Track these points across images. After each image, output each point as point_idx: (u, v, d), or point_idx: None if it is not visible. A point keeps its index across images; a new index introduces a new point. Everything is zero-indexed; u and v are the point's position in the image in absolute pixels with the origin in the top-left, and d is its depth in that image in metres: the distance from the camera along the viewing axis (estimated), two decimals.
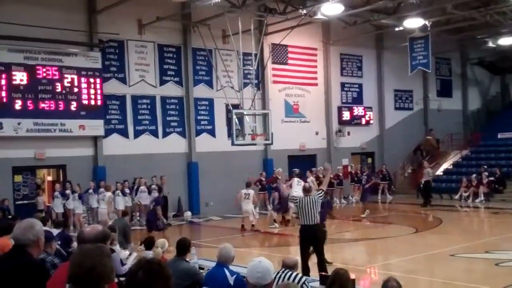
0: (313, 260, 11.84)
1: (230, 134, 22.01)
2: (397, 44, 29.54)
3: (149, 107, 24.40)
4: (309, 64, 29.73)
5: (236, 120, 20.41)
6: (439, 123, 33.98)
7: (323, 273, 9.49)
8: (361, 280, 11.75)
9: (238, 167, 25.07)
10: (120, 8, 22.32)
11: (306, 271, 11.41)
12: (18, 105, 20.69)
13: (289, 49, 28.60)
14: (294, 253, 12.41)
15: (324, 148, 30.36)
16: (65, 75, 21.78)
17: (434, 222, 21.78)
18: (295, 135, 28.39)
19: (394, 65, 31.99)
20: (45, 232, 5.49)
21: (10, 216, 18.53)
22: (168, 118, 24.89)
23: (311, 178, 22.25)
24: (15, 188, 21.39)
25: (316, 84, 30.08)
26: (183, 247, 8.26)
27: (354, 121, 31.52)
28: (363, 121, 31.93)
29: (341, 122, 31.02)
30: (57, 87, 21.56)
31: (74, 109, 21.90)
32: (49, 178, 23.57)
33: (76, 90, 21.97)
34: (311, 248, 12.21)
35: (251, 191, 20.65)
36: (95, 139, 22.84)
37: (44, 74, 21.33)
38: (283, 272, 7.23)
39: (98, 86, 22.52)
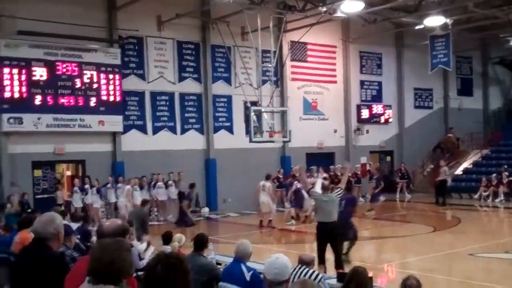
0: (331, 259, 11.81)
1: (248, 131, 21.97)
2: (417, 42, 29.34)
3: (167, 103, 24.47)
4: (328, 62, 29.64)
5: (254, 117, 20.39)
6: (459, 122, 33.69)
7: (340, 271, 9.47)
8: (378, 278, 11.70)
9: (256, 164, 25.05)
10: (139, 5, 22.42)
11: (323, 269, 11.39)
12: (38, 100, 20.85)
13: (308, 46, 28.52)
14: (311, 250, 12.40)
15: (343, 146, 30.27)
16: (85, 71, 21.91)
17: (453, 221, 21.63)
18: (313, 133, 28.32)
19: (414, 63, 31.77)
20: (64, 226, 5.54)
21: (29, 210, 18.73)
22: (186, 115, 24.96)
23: (324, 176, 22.30)
24: (35, 183, 21.57)
25: (335, 82, 29.99)
26: (200, 243, 8.28)
27: (373, 119, 31.37)
28: (382, 120, 31.76)
29: (360, 120, 30.90)
30: (76, 83, 21.70)
31: (94, 104, 22.03)
32: (68, 173, 23.75)
33: (95, 86, 22.10)
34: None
35: (268, 184, 20.68)
36: (114, 135, 22.97)
37: (64, 70, 21.47)
38: (299, 268, 7.24)
39: (117, 82, 22.64)
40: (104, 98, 22.27)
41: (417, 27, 27.03)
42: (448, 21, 25.15)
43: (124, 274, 3.73)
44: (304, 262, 7.60)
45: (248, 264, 7.27)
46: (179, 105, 24.77)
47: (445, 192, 26.34)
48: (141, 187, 21.67)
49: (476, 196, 27.59)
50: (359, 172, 26.64)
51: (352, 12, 24.15)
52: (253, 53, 23.58)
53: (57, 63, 21.32)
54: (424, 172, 32.56)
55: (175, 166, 23.04)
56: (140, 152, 23.18)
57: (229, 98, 26.15)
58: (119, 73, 22.74)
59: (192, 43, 25.20)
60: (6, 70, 20.29)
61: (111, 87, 22.47)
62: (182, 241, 9.50)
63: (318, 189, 12.57)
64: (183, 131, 24.87)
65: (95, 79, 22.10)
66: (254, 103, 21.88)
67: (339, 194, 12.10)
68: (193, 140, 25.03)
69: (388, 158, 32.97)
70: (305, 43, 28.01)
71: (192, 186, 21.28)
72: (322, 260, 11.71)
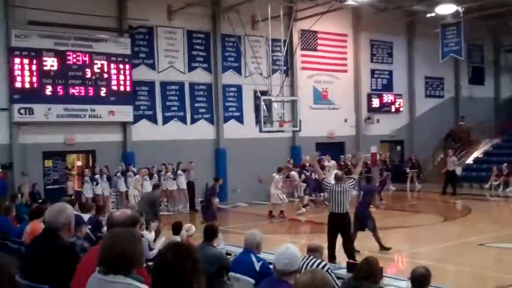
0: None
1: (258, 121, 21.96)
2: (428, 31, 29.09)
3: (177, 93, 24.47)
4: (338, 51, 29.52)
5: (264, 106, 20.35)
6: (471, 111, 33.46)
7: (351, 261, 9.47)
8: (388, 268, 11.68)
9: (266, 154, 25.03)
10: None
11: (332, 258, 11.39)
12: (48, 90, 20.90)
13: (319, 35, 28.41)
14: (321, 240, 12.36)
15: (353, 136, 30.19)
16: (95, 61, 21.93)
17: (463, 211, 21.58)
18: (323, 122, 28.23)
19: (425, 52, 31.56)
20: (75, 216, 5.57)
21: (40, 200, 18.83)
22: (196, 105, 24.95)
23: (332, 162, 22.38)
24: (46, 173, 21.67)
25: (345, 71, 29.88)
26: (210, 233, 8.30)
27: (384, 108, 31.25)
28: (393, 109, 31.64)
29: (371, 109, 30.78)
30: (87, 73, 21.73)
31: (104, 95, 22.06)
32: (79, 163, 23.84)
33: (105, 76, 22.12)
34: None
35: (277, 176, 20.73)
36: (124, 125, 23.00)
37: (74, 60, 21.49)
38: (307, 258, 7.24)
39: (127, 72, 22.64)
40: (114, 88, 22.30)
41: (428, 15, 26.82)
42: (460, 9, 24.95)
43: (135, 264, 3.74)
44: (310, 250, 7.62)
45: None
46: (189, 95, 24.76)
47: (455, 182, 26.25)
48: (151, 177, 21.71)
49: (486, 186, 27.49)
50: (369, 162, 26.55)
51: (363, 0, 24.01)
52: (263, 42, 23.51)
53: (67, 53, 21.34)
54: (435, 161, 32.43)
55: (185, 156, 23.05)
56: (150, 142, 23.20)
57: (239, 88, 26.12)
58: (129, 63, 22.75)
59: (202, 33, 25.15)
60: (17, 61, 20.33)
61: (121, 77, 22.49)
62: (191, 231, 9.50)
63: (331, 179, 12.58)
64: (193, 121, 24.87)
65: (105, 69, 22.12)
66: (264, 93, 21.84)
67: (352, 185, 12.07)
68: (203, 130, 25.04)
69: (399, 148, 32.86)
70: (316, 32, 27.89)
71: (217, 180, 20.79)
72: (332, 252, 11.68)
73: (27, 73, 20.48)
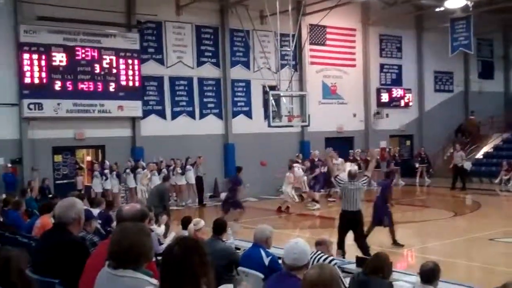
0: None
1: (266, 116, 21.93)
2: (437, 25, 28.96)
3: (186, 88, 24.48)
4: (347, 45, 29.44)
5: (273, 101, 20.32)
6: (480, 105, 33.31)
7: (359, 256, 9.45)
8: (398, 263, 11.67)
9: (274, 149, 25.02)
10: None
11: (342, 255, 11.37)
12: (57, 86, 20.95)
13: (327, 29, 28.34)
14: (330, 235, 12.34)
15: (362, 130, 30.12)
16: (104, 56, 21.96)
17: (473, 206, 21.51)
18: (332, 117, 28.19)
19: (435, 46, 31.42)
20: (85, 211, 5.58)
21: (50, 195, 18.92)
22: (205, 100, 24.95)
23: (340, 160, 22.36)
24: (55, 168, 21.75)
25: (354, 65, 29.79)
26: (219, 228, 8.31)
27: (393, 103, 31.15)
28: (402, 103, 31.53)
29: (380, 104, 30.69)
30: (95, 68, 21.76)
31: (113, 90, 22.09)
32: (88, 158, 23.91)
33: (114, 71, 22.15)
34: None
35: (287, 173, 20.75)
36: (133, 120, 23.04)
37: (83, 55, 21.53)
38: (314, 253, 7.24)
39: (136, 67, 22.66)
40: (123, 83, 22.33)
41: (437, 9, 26.70)
42: (469, 3, 24.81)
43: (144, 258, 3.75)
44: (316, 244, 7.63)
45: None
46: (198, 90, 24.76)
47: (464, 176, 26.15)
48: (159, 172, 21.75)
49: (496, 181, 27.35)
50: (378, 157, 26.48)
51: None
52: (272, 37, 23.44)
53: (76, 49, 21.38)
54: (444, 156, 32.31)
55: (194, 151, 23.08)
56: (159, 137, 23.21)
57: (247, 83, 26.10)
58: (138, 58, 22.76)
59: (210, 27, 25.13)
60: (26, 56, 20.39)
61: (130, 72, 22.51)
62: (199, 225, 9.49)
63: (344, 176, 12.55)
64: (202, 116, 24.88)
65: (114, 64, 22.14)
66: (272, 88, 21.80)
67: (365, 183, 11.96)
68: (211, 125, 25.04)
69: (408, 142, 32.76)
70: (324, 26, 27.82)
71: (239, 170, 20.07)
72: (340, 246, 11.69)
73: (36, 68, 20.53)
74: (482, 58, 35.63)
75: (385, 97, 30.83)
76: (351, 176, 12.22)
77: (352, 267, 8.29)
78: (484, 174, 28.62)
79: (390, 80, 31.43)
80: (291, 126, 22.32)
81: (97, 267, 3.93)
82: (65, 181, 21.68)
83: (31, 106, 20.44)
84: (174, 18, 24.12)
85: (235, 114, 25.67)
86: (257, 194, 24.05)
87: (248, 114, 26.13)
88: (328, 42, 28.62)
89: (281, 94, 20.81)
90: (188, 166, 22.74)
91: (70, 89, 21.13)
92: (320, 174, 22.48)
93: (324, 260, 7.09)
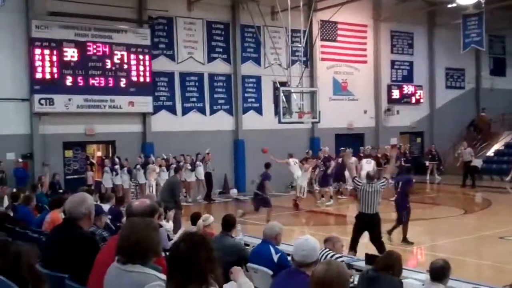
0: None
1: (277, 112, 21.93)
2: (449, 21, 28.80)
3: (197, 84, 24.50)
4: (358, 41, 29.35)
5: (283, 97, 20.29)
6: (491, 102, 33.10)
7: (369, 253, 9.41)
8: (408, 260, 11.64)
9: (285, 145, 24.94)
10: None
11: (353, 254, 11.25)
12: (68, 81, 21.02)
13: (339, 25, 28.26)
14: (342, 233, 12.32)
15: (372, 127, 30.05)
16: (115, 52, 22.01)
17: (484, 204, 21.41)
18: (343, 114, 28.13)
19: (446, 42, 31.28)
20: (95, 207, 5.60)
21: (60, 191, 19.01)
22: (215, 96, 24.97)
23: (353, 159, 22.33)
24: (66, 163, 21.84)
25: (365, 62, 29.70)
26: (228, 224, 8.32)
27: (404, 99, 31.04)
28: (413, 100, 31.41)
29: (391, 100, 30.59)
30: (107, 63, 21.82)
31: (124, 85, 22.14)
32: (99, 154, 24.00)
33: (125, 66, 22.20)
34: None
35: (305, 164, 20.77)
36: (143, 116, 23.09)
37: (95, 51, 21.59)
38: (322, 251, 7.24)
39: (147, 63, 22.70)
40: (134, 79, 22.38)
41: (449, 6, 26.54)
42: None
43: (152, 253, 3.77)
44: (324, 241, 7.64)
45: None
46: (208, 86, 24.78)
47: (475, 174, 26.04)
48: (168, 168, 21.78)
49: (507, 179, 27.15)
50: (388, 154, 26.40)
51: None
52: (283, 33, 23.42)
53: (87, 44, 21.44)
54: (455, 153, 32.16)
55: (204, 147, 23.08)
56: (169, 133, 23.27)
57: (258, 79, 26.08)
58: (149, 54, 22.80)
59: (221, 23, 25.14)
60: (37, 51, 20.47)
61: (141, 68, 22.55)
62: (208, 221, 9.49)
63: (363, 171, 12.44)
64: (212, 112, 24.90)
65: (125, 60, 22.20)
66: (283, 84, 21.76)
67: (383, 185, 11.69)
68: (222, 121, 25.06)
69: (419, 139, 32.65)
70: (336, 22, 27.76)
71: (268, 166, 19.68)
72: (353, 247, 11.51)
73: (47, 63, 20.61)
74: (494, 55, 35.44)
75: (396, 94, 30.73)
76: (370, 177, 11.93)
77: (361, 264, 8.26)
78: (494, 172, 28.47)
79: (401, 76, 31.32)
80: (302, 122, 22.30)
81: (106, 262, 3.95)
82: (75, 176, 21.77)
83: (42, 102, 20.52)
84: (185, 14, 24.14)
85: (245, 110, 25.68)
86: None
87: (259, 110, 26.13)
88: (339, 38, 28.55)
89: (292, 90, 20.78)
90: (198, 162, 22.79)
91: (81, 84, 21.21)
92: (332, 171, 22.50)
93: (331, 257, 7.09)
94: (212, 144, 23.54)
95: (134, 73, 22.38)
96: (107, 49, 21.82)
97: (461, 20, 26.35)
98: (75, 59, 21.12)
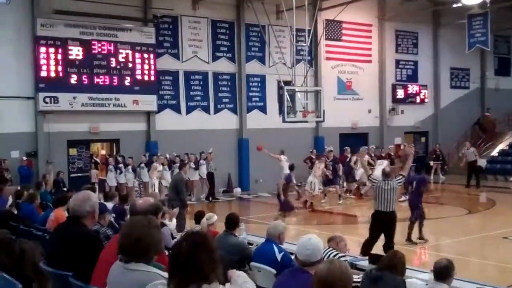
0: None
1: (281, 111, 21.92)
2: (454, 21, 28.77)
3: (201, 83, 24.51)
4: (363, 41, 29.32)
5: (288, 97, 20.29)
6: (496, 102, 33.04)
7: (372, 253, 9.42)
8: (412, 260, 11.63)
9: (289, 144, 24.92)
10: None
11: (365, 254, 11.08)
12: (73, 79, 21.05)
13: (343, 25, 28.23)
14: (345, 232, 12.30)
15: (377, 127, 30.02)
16: (120, 50, 22.03)
17: (488, 204, 21.36)
18: (347, 113, 28.10)
19: (451, 42, 31.23)
20: (99, 205, 5.62)
21: (65, 189, 19.02)
22: (220, 94, 24.97)
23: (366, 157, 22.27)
24: (70, 161, 21.88)
25: (370, 61, 29.67)
26: (232, 222, 8.33)
27: (409, 99, 31.00)
28: (418, 99, 31.36)
29: (395, 100, 30.55)
30: (111, 62, 21.84)
31: (128, 84, 22.17)
32: (103, 152, 24.03)
33: (130, 65, 22.22)
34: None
35: (317, 164, 20.70)
36: (148, 114, 23.11)
37: (99, 49, 21.61)
38: (325, 250, 7.24)
39: (151, 61, 22.71)
40: (138, 77, 22.39)
41: (454, 5, 26.51)
42: None
43: (153, 250, 3.78)
44: (328, 240, 7.64)
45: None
46: (213, 85, 24.78)
47: (479, 174, 25.99)
48: (170, 167, 21.78)
49: (511, 179, 27.16)
50: (392, 153, 26.38)
51: None
52: (288, 32, 23.41)
53: (92, 42, 21.47)
54: (459, 153, 32.10)
55: (208, 146, 23.10)
56: (174, 131, 23.29)
57: (262, 78, 26.08)
58: (154, 53, 22.82)
59: (226, 22, 25.14)
60: (43, 50, 20.50)
61: (145, 67, 22.57)
62: (212, 219, 9.51)
63: (377, 170, 12.32)
64: (216, 110, 24.90)
65: (130, 59, 22.22)
66: (287, 83, 21.77)
67: (399, 182, 11.51)
68: (226, 120, 25.06)
69: (423, 139, 32.60)
70: (340, 22, 27.73)
71: (292, 168, 20.18)
72: (369, 249, 11.14)
73: (52, 62, 20.64)
74: (499, 55, 35.36)
75: (400, 93, 30.68)
76: (386, 175, 11.68)
77: (365, 263, 8.26)
78: (499, 172, 28.43)
79: (405, 76, 31.28)
80: (306, 121, 22.28)
81: (110, 260, 3.96)
82: (79, 174, 21.81)
83: (47, 100, 20.56)
84: (190, 12, 24.15)
85: (249, 109, 25.68)
86: (271, 190, 24.01)
87: (263, 109, 26.13)
88: (344, 38, 28.52)
89: (296, 90, 20.78)
90: (201, 161, 22.79)
91: (86, 83, 21.23)
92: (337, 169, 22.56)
93: (335, 256, 7.09)
94: (216, 143, 23.57)
95: (138, 71, 22.40)
96: (112, 48, 21.84)
97: (466, 19, 26.32)
98: (80, 57, 21.15)
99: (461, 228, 16.46)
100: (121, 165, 21.25)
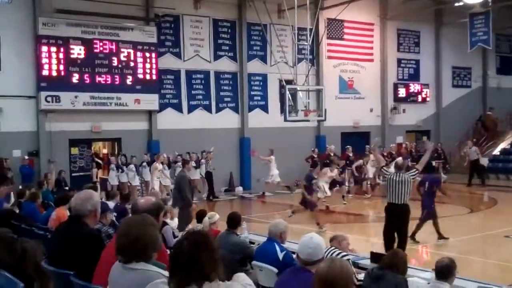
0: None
1: (283, 110, 21.93)
2: (456, 20, 28.72)
3: (203, 82, 24.50)
4: (365, 40, 29.31)
5: (289, 96, 20.29)
6: (498, 101, 33.00)
7: (374, 251, 9.41)
8: (413, 259, 11.62)
9: (290, 143, 25.00)
10: None
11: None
12: (75, 78, 21.05)
13: (345, 24, 28.22)
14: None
15: (378, 125, 30.00)
16: (122, 49, 22.03)
17: (489, 203, 21.35)
18: (349, 112, 28.09)
19: (453, 41, 31.20)
20: (101, 204, 5.62)
21: (66, 188, 19.05)
22: (221, 93, 24.97)
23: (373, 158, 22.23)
24: (72, 160, 21.89)
25: (372, 60, 29.65)
26: (233, 221, 8.33)
27: (410, 98, 30.98)
28: (419, 98, 31.35)
29: (397, 99, 30.54)
30: (113, 61, 21.84)
31: (130, 83, 22.17)
32: (105, 151, 24.05)
33: (132, 64, 22.22)
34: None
35: (324, 170, 20.52)
36: (149, 113, 23.11)
37: (101, 48, 21.61)
38: (328, 249, 7.24)
39: (153, 60, 22.71)
40: (140, 76, 22.39)
41: (456, 4, 26.49)
42: None
43: (151, 248, 3.78)
44: (330, 240, 7.64)
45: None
46: (214, 84, 24.78)
47: (482, 172, 25.97)
48: (169, 166, 21.78)
49: None
50: (394, 152, 26.38)
51: None
52: (289, 31, 23.42)
53: (94, 41, 21.48)
54: (461, 152, 32.07)
55: (210, 145, 23.08)
56: (175, 130, 23.28)
57: (264, 77, 26.07)
58: (155, 52, 22.81)
59: (228, 21, 25.13)
60: (44, 49, 20.50)
61: (147, 66, 22.56)
62: (213, 218, 9.51)
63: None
64: (218, 109, 24.90)
65: (131, 58, 22.21)
66: (289, 82, 21.79)
67: (413, 176, 11.23)
68: (227, 119, 25.05)
69: (425, 138, 32.56)
70: (342, 21, 27.71)
71: (314, 165, 19.90)
72: (388, 244, 10.99)
73: (54, 61, 20.64)
74: (501, 54, 35.33)
75: (402, 92, 30.67)
76: (398, 167, 11.40)
77: (367, 262, 8.26)
78: (501, 171, 28.41)
79: (407, 75, 31.27)
80: (308, 120, 22.31)
81: (111, 259, 3.96)
82: (81, 173, 21.81)
83: (49, 99, 20.57)
84: (191, 11, 24.14)
85: (251, 108, 25.68)
86: (272, 189, 24.05)
87: (264, 108, 26.12)
88: (345, 37, 28.51)
89: (298, 89, 20.80)
90: (202, 160, 22.77)
91: (87, 82, 21.24)
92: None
93: (337, 255, 7.09)
94: (217, 142, 23.56)
95: (140, 70, 22.40)
96: (113, 47, 21.85)
97: (468, 18, 26.27)
98: (82, 56, 21.16)
99: (463, 227, 16.44)
100: (121, 163, 21.22)
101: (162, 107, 23.30)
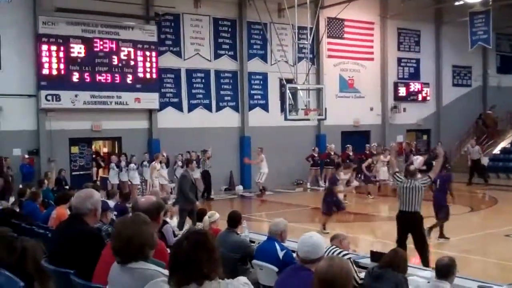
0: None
1: (283, 109, 21.92)
2: (456, 19, 28.69)
3: (203, 81, 24.49)
4: (365, 39, 29.29)
5: (290, 94, 20.28)
6: (498, 100, 32.99)
7: (374, 250, 9.40)
8: (413, 258, 11.61)
9: (291, 142, 25.01)
10: None
11: None
12: (75, 77, 21.05)
13: (345, 23, 28.21)
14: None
15: (379, 125, 29.99)
16: (122, 48, 22.03)
17: (490, 202, 21.34)
18: (349, 111, 28.09)
19: (453, 40, 31.19)
20: (101, 203, 5.62)
21: (67, 187, 19.05)
22: (222, 92, 24.96)
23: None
24: (72, 159, 21.88)
25: (372, 59, 29.64)
26: (233, 220, 8.33)
27: (410, 97, 30.97)
28: (420, 97, 31.34)
29: (397, 98, 30.52)
30: (113, 60, 21.83)
31: (130, 82, 22.16)
32: (105, 150, 24.04)
33: (132, 63, 22.22)
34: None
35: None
36: (150, 112, 23.10)
37: (101, 47, 21.61)
38: (328, 248, 7.24)
39: (153, 59, 22.70)
40: (140, 75, 22.38)
41: (456, 3, 26.50)
42: None
43: (147, 246, 3.79)
44: (331, 239, 7.64)
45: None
46: (215, 83, 24.77)
47: (484, 171, 25.96)
48: (167, 165, 21.76)
49: None
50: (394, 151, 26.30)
51: None
52: (289, 30, 23.40)
53: (94, 40, 21.47)
54: (461, 151, 32.08)
55: (210, 144, 23.08)
56: (176, 129, 23.28)
57: (264, 76, 26.07)
58: (156, 50, 22.80)
59: (228, 20, 25.12)
60: (44, 47, 20.49)
61: (147, 64, 22.56)
62: (214, 217, 9.50)
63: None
64: (218, 108, 24.89)
65: (132, 56, 22.20)
66: (289, 81, 21.77)
67: (425, 183, 10.99)
68: (228, 118, 25.04)
69: (425, 137, 32.59)
70: (342, 20, 27.70)
71: (338, 166, 19.08)
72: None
73: (54, 60, 20.63)
74: (501, 53, 35.31)
75: (402, 91, 30.66)
76: (410, 173, 11.19)
77: (367, 261, 8.26)
78: (501, 170, 28.40)
79: (407, 74, 31.26)
80: (308, 119, 22.27)
81: (111, 258, 3.95)
82: (81, 172, 21.82)
83: (49, 98, 20.57)
84: (192, 10, 24.13)
85: (251, 107, 25.67)
86: (274, 188, 24.06)
87: (265, 107, 26.12)
88: (346, 36, 28.50)
89: (298, 87, 20.78)
90: (202, 159, 22.74)
91: (87, 80, 21.24)
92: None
93: (338, 254, 7.09)
94: (218, 141, 23.56)
95: (140, 69, 22.40)
96: (114, 46, 21.84)
97: (468, 17, 26.26)
98: (82, 55, 21.15)
99: (463, 226, 16.42)
100: (123, 163, 21.23)
101: (163, 106, 23.30)
